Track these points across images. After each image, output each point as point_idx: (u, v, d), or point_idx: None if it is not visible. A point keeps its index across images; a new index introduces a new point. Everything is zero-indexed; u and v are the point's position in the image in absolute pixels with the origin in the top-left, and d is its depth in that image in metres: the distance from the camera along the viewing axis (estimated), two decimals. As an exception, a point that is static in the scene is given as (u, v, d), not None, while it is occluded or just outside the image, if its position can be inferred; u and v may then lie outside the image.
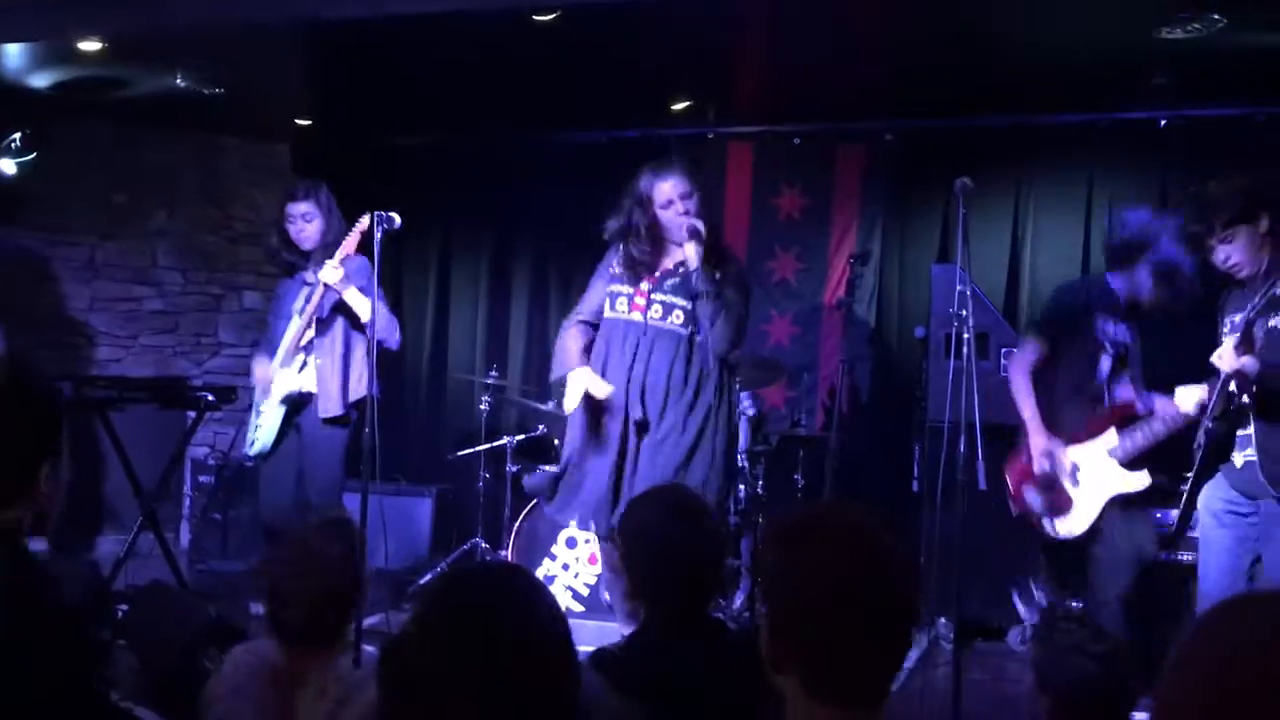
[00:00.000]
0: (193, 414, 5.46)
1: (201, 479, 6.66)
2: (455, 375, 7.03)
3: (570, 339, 4.25)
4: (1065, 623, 2.36)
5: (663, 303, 4.10)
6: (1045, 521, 4.22)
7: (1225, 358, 3.69)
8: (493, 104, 6.28)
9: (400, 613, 5.29)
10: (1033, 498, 4.23)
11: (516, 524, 5.24)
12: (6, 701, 1.56)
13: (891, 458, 5.87)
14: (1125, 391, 4.23)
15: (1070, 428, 4.20)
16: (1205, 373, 3.86)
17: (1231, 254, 3.78)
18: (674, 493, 2.51)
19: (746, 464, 5.32)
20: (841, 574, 1.44)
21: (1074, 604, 4.19)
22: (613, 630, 4.35)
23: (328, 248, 4.75)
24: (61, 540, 6.06)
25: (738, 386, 4.49)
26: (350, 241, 4.58)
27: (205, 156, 7.12)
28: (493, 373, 6.15)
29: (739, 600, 5.20)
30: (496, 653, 1.40)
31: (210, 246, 7.18)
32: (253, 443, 4.88)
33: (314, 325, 4.75)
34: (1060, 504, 4.17)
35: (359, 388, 4.68)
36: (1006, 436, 4.50)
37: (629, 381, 4.04)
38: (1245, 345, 3.65)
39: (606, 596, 5.00)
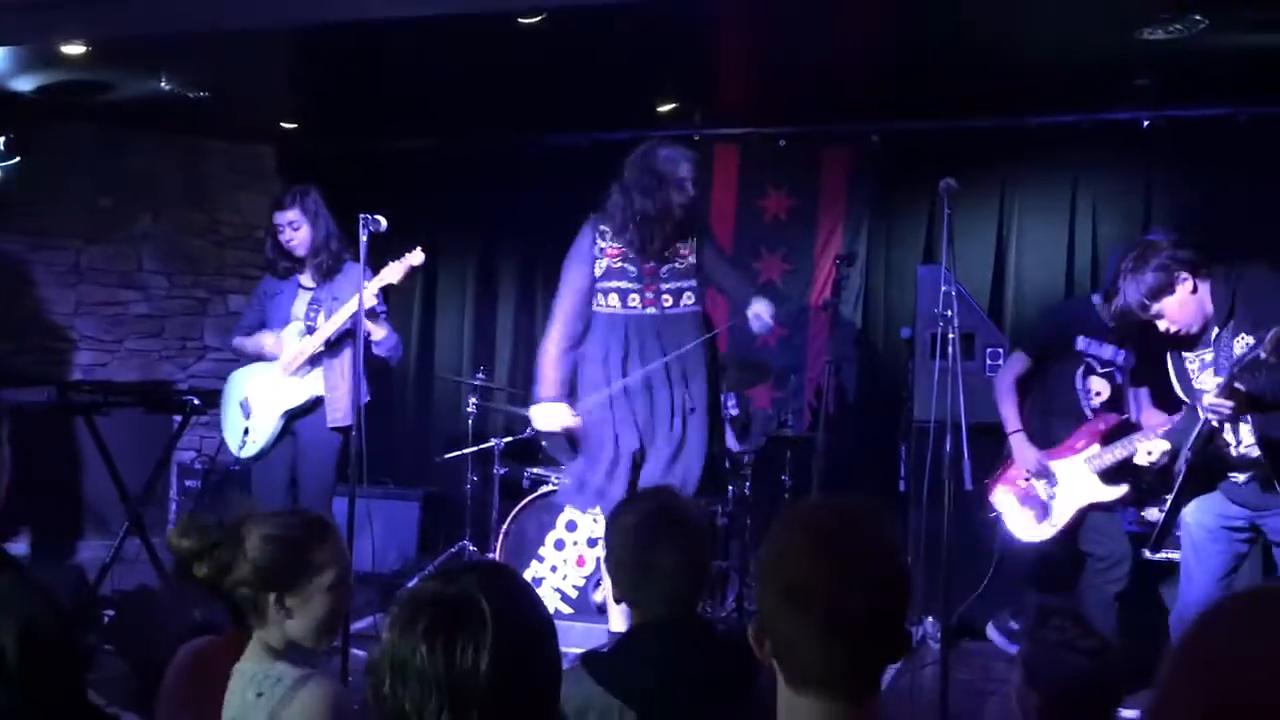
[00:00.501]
0: (179, 418, 5.45)
1: (188, 483, 6.64)
2: (442, 376, 7.03)
3: (550, 367, 4.29)
4: (1055, 619, 2.36)
5: (672, 290, 4.18)
6: (1017, 526, 4.45)
7: (1217, 409, 3.69)
8: (478, 107, 6.27)
9: (388, 616, 5.29)
10: (1008, 503, 4.43)
11: (504, 526, 5.24)
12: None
13: (878, 458, 5.88)
14: (1106, 403, 4.46)
15: (1053, 440, 4.44)
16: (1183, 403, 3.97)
17: (1169, 324, 3.82)
18: (658, 498, 2.52)
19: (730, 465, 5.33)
20: (823, 568, 1.44)
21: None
22: (600, 632, 4.37)
23: (320, 252, 4.80)
24: (46, 546, 6.05)
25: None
26: (395, 271, 4.58)
27: (190, 160, 7.09)
28: (479, 375, 6.15)
29: (729, 601, 5.21)
30: (477, 655, 1.40)
31: (195, 250, 7.16)
32: (244, 445, 4.88)
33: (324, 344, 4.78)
34: (1035, 511, 4.41)
35: (364, 394, 4.70)
36: (993, 434, 4.59)
37: (668, 374, 4.14)
38: (1234, 399, 3.65)
39: (596, 599, 5.01)
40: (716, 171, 6.53)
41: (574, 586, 5.10)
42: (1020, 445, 4.46)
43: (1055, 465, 4.41)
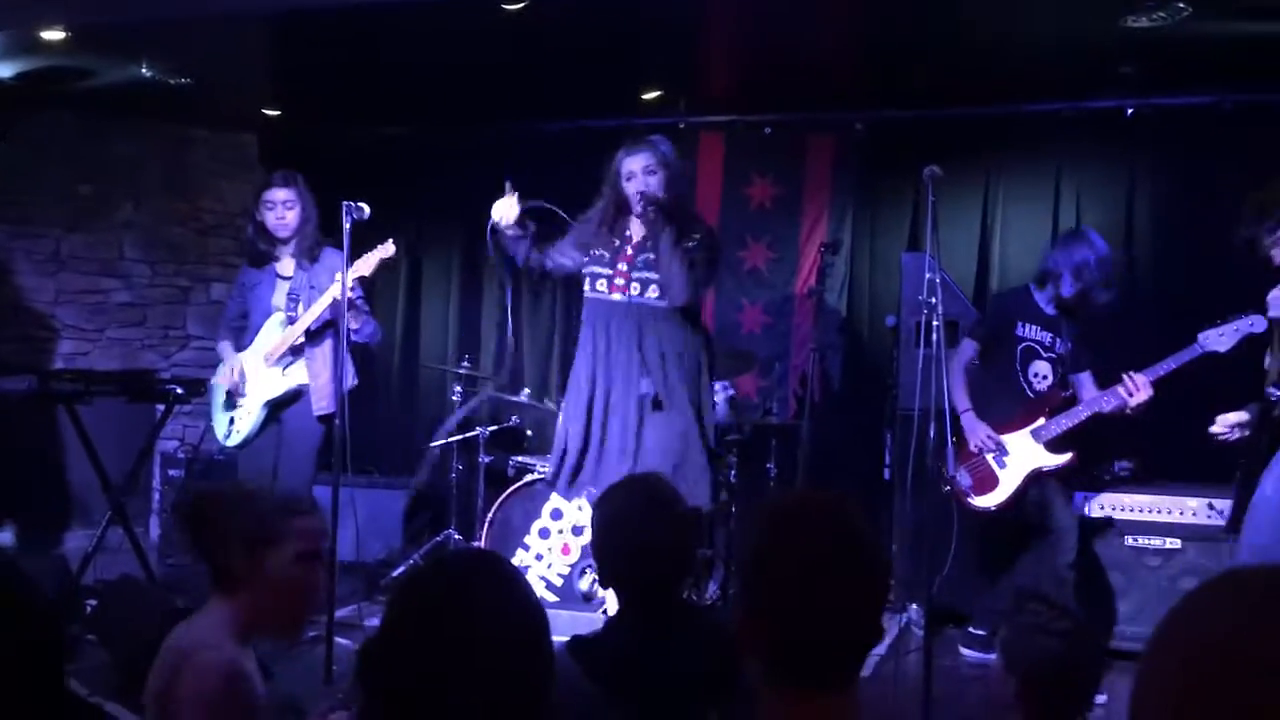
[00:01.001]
0: (161, 407, 5.42)
1: (171, 473, 6.61)
2: (427, 365, 7.01)
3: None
4: (1031, 604, 2.38)
5: (640, 279, 4.25)
6: (968, 497, 4.68)
7: None
8: (463, 94, 6.25)
9: (373, 604, 5.28)
10: (961, 476, 4.67)
11: (490, 515, 5.23)
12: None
13: (863, 445, 5.91)
14: (1054, 384, 4.71)
15: (1000, 416, 4.68)
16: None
17: None
18: (644, 484, 2.52)
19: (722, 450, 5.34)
20: (810, 557, 1.45)
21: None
22: (586, 620, 4.37)
23: (304, 236, 4.79)
24: (30, 536, 6.01)
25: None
26: (367, 263, 4.53)
27: (172, 147, 7.05)
28: (465, 363, 6.14)
29: (713, 589, 5.21)
30: (473, 644, 1.41)
31: (178, 238, 7.11)
32: (229, 434, 4.87)
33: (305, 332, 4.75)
34: (986, 481, 4.67)
35: (347, 382, 4.68)
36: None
37: (628, 360, 4.21)
38: None
39: (581, 587, 5.01)
40: (702, 159, 6.52)
41: (559, 575, 5.10)
42: (971, 422, 4.69)
43: (1005, 439, 4.66)
